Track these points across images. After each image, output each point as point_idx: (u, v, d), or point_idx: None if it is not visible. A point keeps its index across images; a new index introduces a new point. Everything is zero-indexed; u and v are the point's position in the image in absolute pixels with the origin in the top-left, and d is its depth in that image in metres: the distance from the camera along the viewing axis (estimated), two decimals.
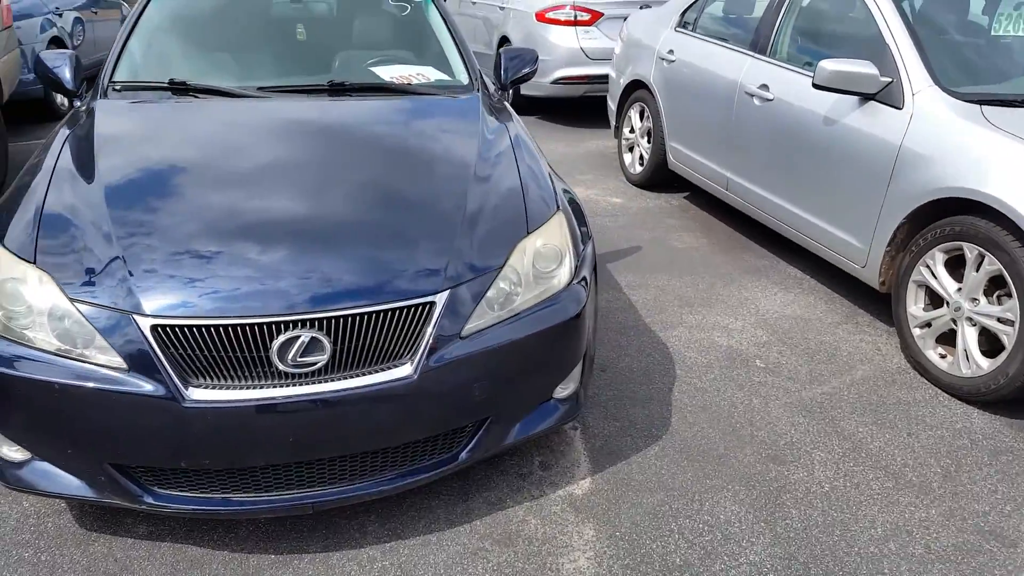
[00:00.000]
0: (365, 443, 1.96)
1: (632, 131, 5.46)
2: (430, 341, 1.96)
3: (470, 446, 2.15)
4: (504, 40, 7.30)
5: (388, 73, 3.06)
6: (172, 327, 1.82)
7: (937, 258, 2.99)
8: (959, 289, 2.92)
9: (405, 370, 1.94)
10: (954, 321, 2.95)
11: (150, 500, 1.95)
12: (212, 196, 2.16)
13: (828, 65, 3.25)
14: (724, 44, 4.43)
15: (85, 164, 2.31)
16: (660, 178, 5.18)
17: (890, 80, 3.20)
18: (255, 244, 1.99)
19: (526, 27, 6.87)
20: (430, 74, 3.13)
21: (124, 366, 1.81)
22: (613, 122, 5.73)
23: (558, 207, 2.39)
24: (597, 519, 2.29)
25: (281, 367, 1.85)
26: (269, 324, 1.84)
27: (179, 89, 2.81)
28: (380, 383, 1.91)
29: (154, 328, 1.82)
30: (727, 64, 4.29)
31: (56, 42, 6.64)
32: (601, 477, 2.47)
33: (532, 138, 2.91)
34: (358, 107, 2.80)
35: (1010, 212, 2.65)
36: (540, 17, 6.73)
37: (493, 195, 2.33)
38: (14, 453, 1.95)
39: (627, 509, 2.33)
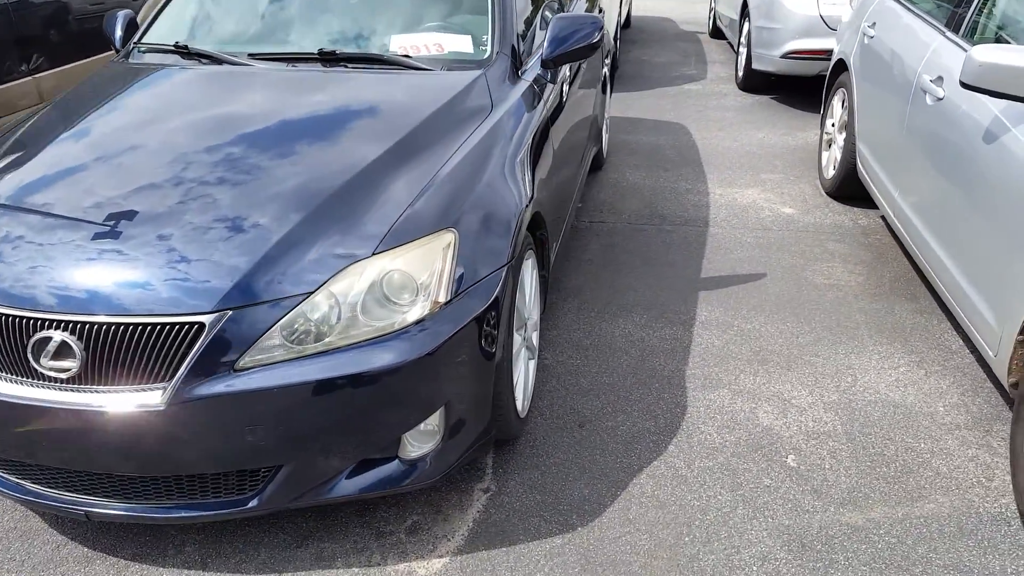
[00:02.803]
0: (119, 465, 1.82)
1: (833, 124, 4.38)
2: (190, 368, 1.73)
3: (261, 495, 1.89)
4: (744, 5, 6.33)
5: (401, 42, 2.74)
6: None
7: None
8: None
9: (153, 397, 1.74)
10: None
11: None
12: (73, 173, 2.12)
13: (980, 54, 2.19)
14: (923, 15, 3.27)
15: (43, 121, 2.49)
16: (852, 188, 4.07)
17: None
18: (63, 228, 1.91)
19: None
20: (451, 44, 2.73)
21: None
22: (821, 109, 4.66)
23: (448, 225, 1.94)
24: None
25: (35, 367, 1.78)
26: (24, 319, 1.77)
27: (184, 53, 2.82)
28: (124, 405, 1.74)
29: None
30: (914, 44, 3.16)
31: None
32: (460, 562, 2.02)
33: (529, 133, 2.44)
34: (324, 80, 2.55)
35: None
36: None
37: (370, 198, 1.98)
38: None
39: None
